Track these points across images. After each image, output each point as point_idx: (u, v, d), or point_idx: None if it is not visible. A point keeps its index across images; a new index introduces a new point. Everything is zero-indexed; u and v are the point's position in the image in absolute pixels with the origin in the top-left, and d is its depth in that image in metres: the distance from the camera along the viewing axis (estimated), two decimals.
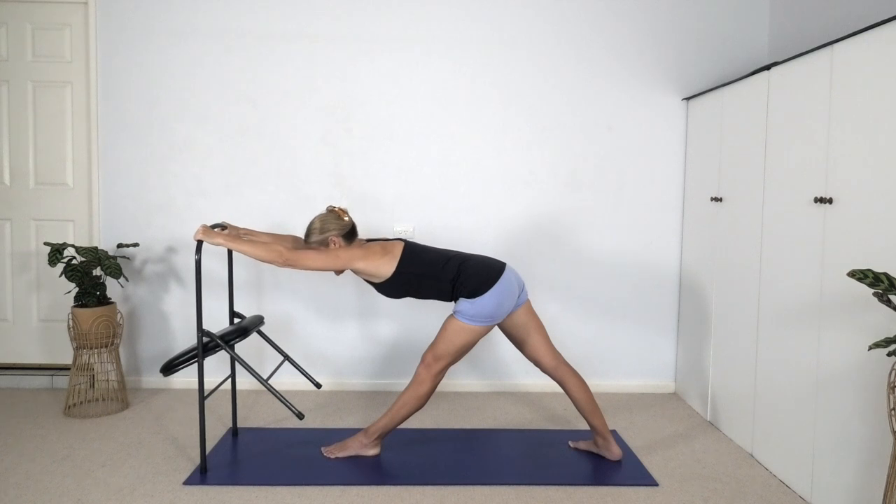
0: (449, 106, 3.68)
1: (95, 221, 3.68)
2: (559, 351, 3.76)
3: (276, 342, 3.56)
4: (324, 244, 2.64)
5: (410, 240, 2.74)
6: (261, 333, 2.98)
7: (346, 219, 2.69)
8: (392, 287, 2.67)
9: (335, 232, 2.64)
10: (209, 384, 3.74)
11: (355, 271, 2.64)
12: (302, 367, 3.06)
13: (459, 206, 3.71)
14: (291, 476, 2.62)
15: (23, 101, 3.74)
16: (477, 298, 2.59)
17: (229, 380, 3.78)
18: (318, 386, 2.91)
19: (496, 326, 2.78)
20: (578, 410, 2.81)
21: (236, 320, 2.98)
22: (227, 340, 2.67)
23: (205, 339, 2.64)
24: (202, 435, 2.62)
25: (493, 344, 3.78)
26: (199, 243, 2.57)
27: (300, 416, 2.62)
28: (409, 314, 3.76)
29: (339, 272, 2.66)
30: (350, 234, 2.69)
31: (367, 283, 3.61)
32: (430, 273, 2.64)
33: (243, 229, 2.83)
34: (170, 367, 2.66)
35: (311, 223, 2.68)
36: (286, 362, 3.42)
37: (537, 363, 2.81)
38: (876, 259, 2.11)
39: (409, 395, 2.69)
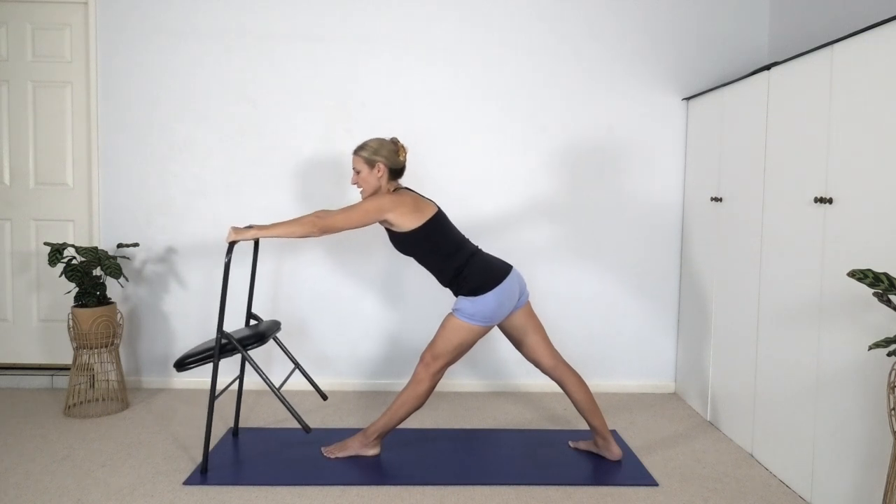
0: (449, 106, 3.68)
1: (95, 221, 3.68)
2: (559, 351, 3.76)
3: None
4: (369, 164, 2.66)
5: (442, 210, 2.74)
6: (276, 339, 2.98)
7: (402, 157, 2.71)
8: (404, 242, 2.66)
9: (385, 161, 2.67)
10: (224, 385, 3.74)
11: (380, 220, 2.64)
12: (309, 374, 3.06)
13: (459, 205, 3.71)
14: (291, 476, 2.62)
15: (23, 101, 3.74)
16: (478, 297, 2.59)
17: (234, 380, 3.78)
18: (325, 398, 2.93)
19: (495, 326, 2.78)
20: (578, 410, 2.81)
21: (250, 322, 2.99)
22: (245, 345, 2.67)
23: (223, 341, 2.65)
24: (207, 435, 2.62)
25: (493, 344, 3.78)
26: (231, 245, 2.60)
27: (307, 429, 2.63)
28: (409, 314, 3.77)
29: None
30: (397, 172, 2.72)
31: (366, 269, 3.62)
32: (442, 250, 2.64)
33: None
34: (183, 364, 2.66)
35: (368, 141, 2.71)
36: (296, 370, 3.39)
37: (536, 363, 2.81)
38: (876, 259, 2.11)
39: (408, 395, 2.69)
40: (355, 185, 2.75)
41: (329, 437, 3.03)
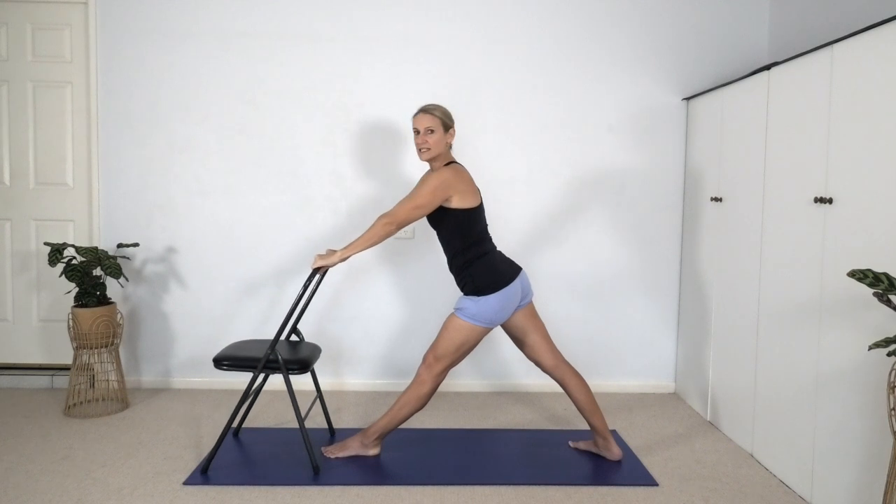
0: (448, 106, 3.67)
1: (95, 221, 3.68)
2: (559, 351, 3.76)
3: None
4: (445, 127, 2.63)
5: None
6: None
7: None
8: (440, 214, 2.62)
9: (453, 125, 2.68)
10: (224, 385, 3.75)
11: None
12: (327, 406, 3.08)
13: None
14: (291, 476, 2.62)
15: (23, 101, 3.74)
16: (480, 298, 2.59)
17: (258, 386, 3.78)
18: (332, 433, 3.01)
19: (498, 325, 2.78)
20: (578, 410, 2.81)
21: (292, 336, 3.00)
22: (289, 369, 2.66)
23: (270, 357, 2.67)
24: (223, 435, 2.64)
25: (493, 344, 3.78)
26: (314, 272, 2.61)
27: (317, 470, 2.63)
28: (410, 314, 3.76)
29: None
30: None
31: (367, 270, 3.61)
32: (466, 238, 2.63)
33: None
34: (220, 363, 2.68)
35: (435, 104, 2.70)
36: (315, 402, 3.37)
37: (537, 363, 2.81)
38: (876, 259, 2.11)
39: (410, 396, 2.69)
40: (421, 146, 2.62)
41: (329, 437, 3.03)
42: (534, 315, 2.78)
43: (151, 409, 3.42)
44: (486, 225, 2.71)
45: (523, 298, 2.72)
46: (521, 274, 2.69)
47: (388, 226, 2.52)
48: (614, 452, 2.81)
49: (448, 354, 2.66)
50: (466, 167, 3.67)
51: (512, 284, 2.62)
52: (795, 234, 2.55)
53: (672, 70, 3.71)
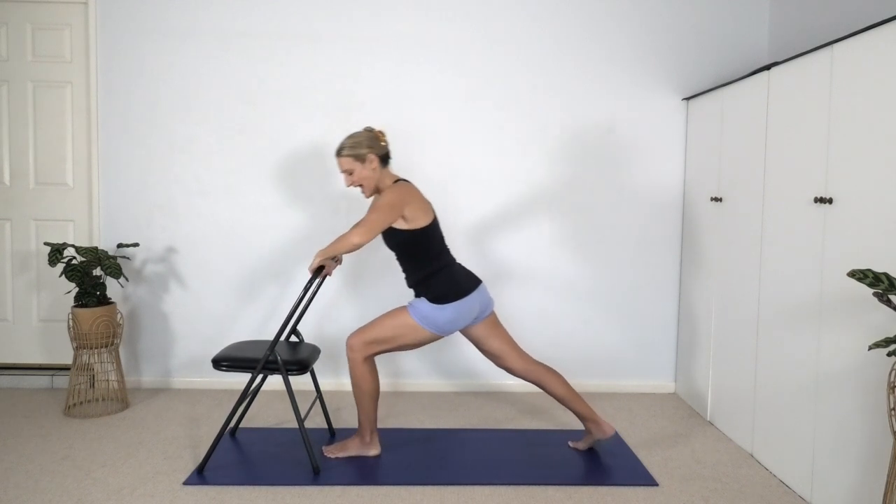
0: (448, 106, 3.68)
1: (95, 221, 3.68)
2: (559, 350, 3.77)
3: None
4: (359, 159, 2.61)
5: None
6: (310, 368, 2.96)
7: (384, 143, 2.67)
8: (397, 236, 2.61)
9: (371, 151, 2.62)
10: (224, 385, 3.75)
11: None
12: (326, 407, 3.08)
13: (458, 206, 3.71)
14: (291, 476, 2.62)
15: (23, 101, 3.74)
16: (436, 305, 2.58)
17: (257, 386, 3.78)
18: (332, 434, 3.00)
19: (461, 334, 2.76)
20: (561, 403, 2.80)
21: (291, 337, 3.00)
22: (288, 370, 2.66)
23: (270, 359, 2.66)
24: (220, 435, 2.64)
25: None
26: (315, 274, 2.61)
27: (317, 470, 2.63)
28: None
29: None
30: (386, 158, 2.68)
31: (362, 270, 3.61)
32: (427, 253, 2.62)
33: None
34: (219, 364, 2.68)
35: (343, 140, 2.65)
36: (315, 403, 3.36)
37: (508, 369, 2.81)
38: (876, 259, 2.11)
39: (357, 382, 2.67)
40: (353, 186, 2.70)
41: (329, 438, 3.03)
42: (496, 325, 2.77)
43: (151, 409, 3.42)
44: (443, 238, 2.71)
45: (483, 311, 2.72)
46: (479, 287, 2.68)
47: (350, 245, 2.47)
48: (606, 431, 2.80)
49: (381, 343, 2.63)
50: (465, 167, 3.68)
51: (468, 297, 2.62)
52: (795, 234, 2.55)
53: (672, 70, 3.71)
